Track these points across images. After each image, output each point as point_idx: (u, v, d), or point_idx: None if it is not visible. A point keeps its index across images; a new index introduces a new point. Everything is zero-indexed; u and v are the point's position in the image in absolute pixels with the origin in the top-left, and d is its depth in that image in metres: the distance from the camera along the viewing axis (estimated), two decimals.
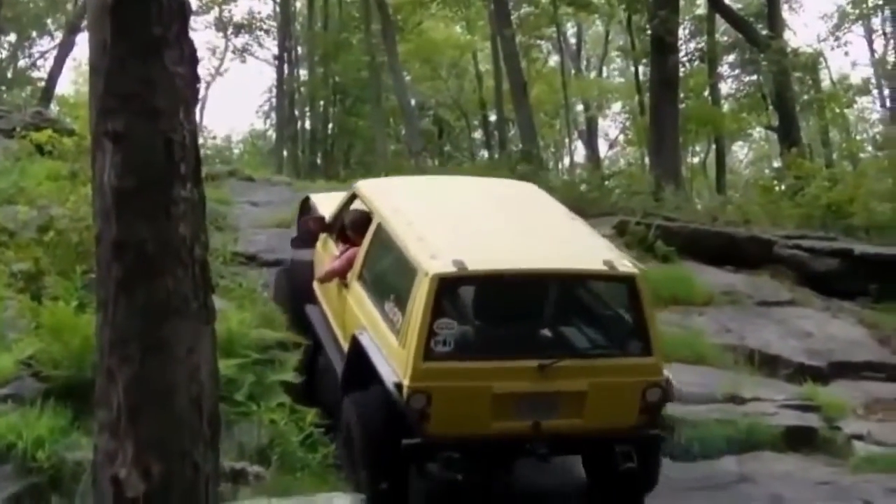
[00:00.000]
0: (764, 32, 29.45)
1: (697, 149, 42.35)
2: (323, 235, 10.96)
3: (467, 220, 9.42)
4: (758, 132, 43.51)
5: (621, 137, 46.84)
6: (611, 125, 48.63)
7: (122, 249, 4.11)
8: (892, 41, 39.52)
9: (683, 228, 16.63)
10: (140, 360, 4.07)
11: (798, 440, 10.81)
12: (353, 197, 10.50)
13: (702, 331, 13.15)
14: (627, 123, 43.65)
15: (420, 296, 8.16)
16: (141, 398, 4.07)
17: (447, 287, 8.34)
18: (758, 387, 11.74)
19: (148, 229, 4.13)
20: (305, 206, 12.51)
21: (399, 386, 8.09)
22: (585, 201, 18.37)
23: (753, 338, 13.24)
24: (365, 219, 9.84)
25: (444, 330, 8.13)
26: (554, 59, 42.58)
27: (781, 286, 15.57)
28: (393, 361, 8.31)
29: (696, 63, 33.80)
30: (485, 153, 41.24)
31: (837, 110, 37.98)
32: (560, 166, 43.24)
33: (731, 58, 38.48)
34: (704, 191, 39.86)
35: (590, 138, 43.41)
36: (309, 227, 11.14)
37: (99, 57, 4.29)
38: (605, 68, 48.26)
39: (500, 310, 8.92)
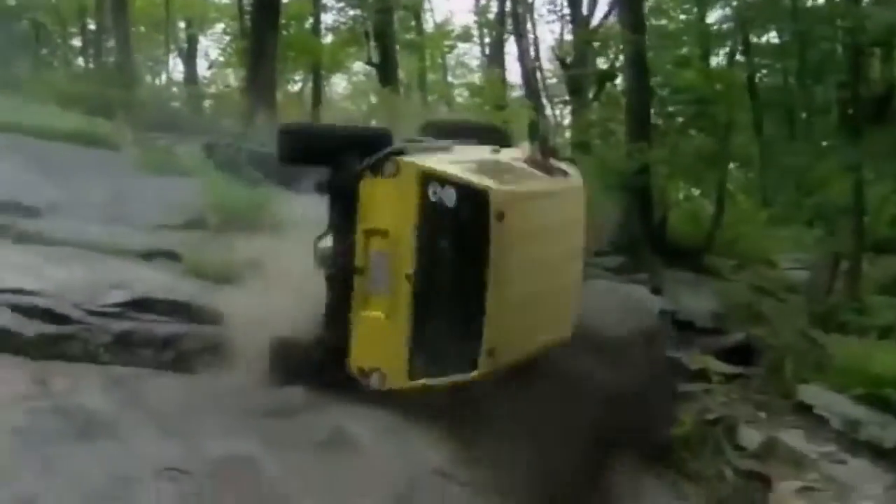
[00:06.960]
0: None
1: (297, 78, 42.13)
2: None
3: None
4: (358, 67, 43.81)
5: (221, 58, 45.80)
6: (212, 45, 47.51)
7: None
8: None
9: (273, 156, 16.27)
10: None
11: None
12: None
13: None
14: (232, 45, 42.77)
15: None
16: None
17: None
18: None
19: None
20: None
21: None
22: (178, 119, 17.93)
23: None
24: None
25: None
26: None
27: None
28: None
29: None
30: (81, 61, 39.21)
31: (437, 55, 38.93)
32: (157, 82, 41.80)
33: None
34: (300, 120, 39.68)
35: (189, 57, 42.31)
36: None
37: None
38: None
39: None
